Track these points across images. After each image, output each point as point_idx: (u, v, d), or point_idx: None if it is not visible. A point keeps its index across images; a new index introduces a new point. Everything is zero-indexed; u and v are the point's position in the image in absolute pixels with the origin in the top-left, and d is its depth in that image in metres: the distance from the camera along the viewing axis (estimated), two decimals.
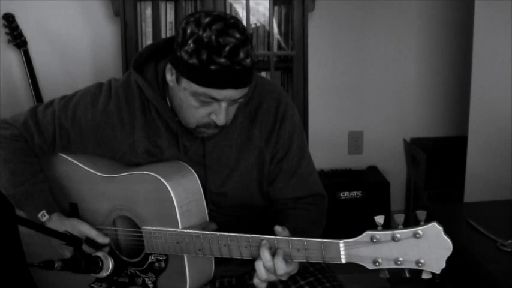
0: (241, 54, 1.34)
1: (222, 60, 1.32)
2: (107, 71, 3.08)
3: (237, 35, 1.34)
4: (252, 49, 1.38)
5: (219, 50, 1.32)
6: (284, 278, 1.34)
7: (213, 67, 1.33)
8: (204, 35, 1.33)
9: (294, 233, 1.35)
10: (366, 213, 3.17)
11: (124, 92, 1.55)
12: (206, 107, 1.41)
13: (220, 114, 1.41)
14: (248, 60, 1.35)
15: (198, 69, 1.34)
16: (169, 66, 1.44)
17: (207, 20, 1.35)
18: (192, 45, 1.34)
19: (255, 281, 1.34)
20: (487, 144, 2.74)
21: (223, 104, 1.40)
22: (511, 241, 1.89)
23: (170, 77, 1.44)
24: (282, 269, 1.29)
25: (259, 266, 1.31)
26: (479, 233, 1.98)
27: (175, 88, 1.44)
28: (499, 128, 2.68)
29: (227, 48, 1.32)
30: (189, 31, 1.35)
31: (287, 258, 1.30)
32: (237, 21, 1.38)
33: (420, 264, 1.16)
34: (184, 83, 1.39)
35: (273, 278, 1.32)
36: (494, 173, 2.71)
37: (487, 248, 1.90)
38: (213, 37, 1.32)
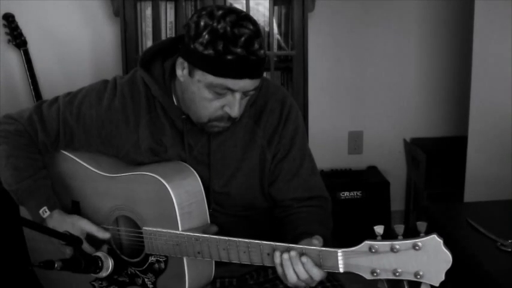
0: (256, 45, 1.36)
1: (239, 50, 1.34)
2: (107, 71, 3.08)
3: (251, 27, 1.37)
4: (264, 41, 1.40)
5: (235, 40, 1.34)
6: (314, 284, 1.33)
7: (229, 57, 1.34)
8: (219, 26, 1.34)
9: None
10: (366, 213, 3.18)
11: (129, 89, 1.56)
12: (220, 99, 1.41)
13: (235, 106, 1.41)
14: (262, 51, 1.38)
15: (214, 60, 1.35)
16: (180, 60, 1.44)
17: (220, 12, 1.37)
18: (207, 36, 1.35)
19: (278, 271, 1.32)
20: (487, 144, 2.74)
21: (238, 95, 1.40)
22: (511, 241, 1.89)
23: (181, 72, 1.44)
24: (319, 275, 1.28)
25: (292, 276, 1.29)
26: (479, 233, 1.98)
27: (187, 82, 1.44)
28: (499, 128, 2.68)
29: (242, 39, 1.34)
30: (202, 23, 1.36)
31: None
32: (247, 14, 1.41)
33: (419, 276, 1.15)
34: (199, 75, 1.39)
35: (302, 285, 1.31)
36: (494, 173, 2.71)
37: (487, 248, 1.90)
38: (228, 28, 1.34)
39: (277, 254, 1.30)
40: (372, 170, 3.43)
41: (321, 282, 1.54)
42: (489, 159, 2.74)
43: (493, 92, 2.69)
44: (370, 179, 3.29)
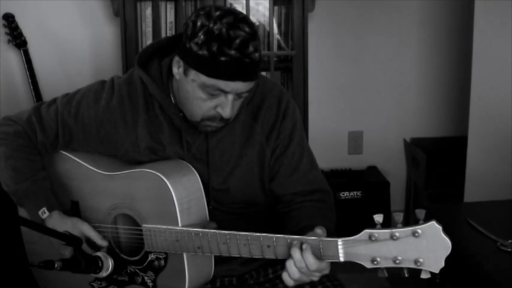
0: (251, 48, 1.36)
1: (232, 52, 1.34)
2: (106, 71, 3.07)
3: (247, 29, 1.37)
4: (260, 44, 1.40)
5: (230, 42, 1.34)
6: (316, 278, 1.33)
7: (223, 58, 1.34)
8: (215, 27, 1.35)
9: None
10: (366, 213, 3.15)
11: (127, 89, 1.56)
12: (213, 99, 1.42)
13: (227, 107, 1.42)
14: (257, 54, 1.38)
15: (208, 61, 1.35)
16: (176, 58, 1.44)
17: (218, 13, 1.37)
18: (202, 37, 1.35)
19: (284, 277, 1.32)
20: (487, 144, 2.74)
21: (230, 97, 1.41)
22: (511, 241, 1.89)
23: (177, 70, 1.45)
24: (313, 264, 1.27)
25: (290, 265, 1.30)
26: (479, 233, 1.98)
27: (182, 81, 1.44)
28: (499, 128, 2.68)
29: (237, 41, 1.34)
30: (199, 23, 1.37)
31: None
32: (246, 16, 1.42)
33: (419, 264, 1.16)
34: (193, 74, 1.40)
35: (304, 278, 1.31)
36: (494, 173, 2.71)
37: (487, 248, 1.90)
38: (224, 29, 1.34)
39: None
40: (372, 170, 3.43)
41: (321, 282, 1.55)
42: (489, 159, 2.74)
43: (493, 92, 2.69)
44: (370, 179, 3.29)
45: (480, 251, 1.91)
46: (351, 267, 1.25)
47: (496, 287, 1.76)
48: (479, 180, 2.74)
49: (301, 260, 1.28)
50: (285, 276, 1.32)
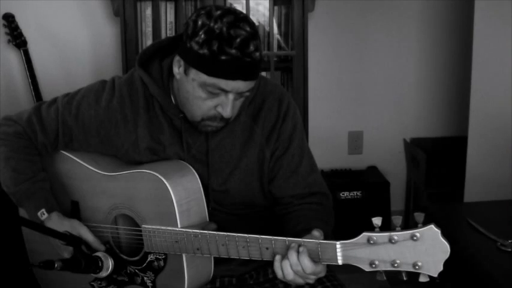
0: (251, 47, 1.36)
1: (233, 51, 1.34)
2: (107, 71, 3.08)
3: (247, 28, 1.37)
4: (261, 44, 1.41)
5: (230, 41, 1.34)
6: (311, 281, 1.33)
7: (223, 57, 1.34)
8: (216, 26, 1.35)
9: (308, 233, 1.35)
10: (366, 213, 3.16)
11: (128, 89, 1.56)
12: (213, 98, 1.42)
13: (227, 106, 1.42)
14: (257, 54, 1.38)
15: (208, 60, 1.36)
16: (177, 58, 1.45)
17: (218, 12, 1.37)
18: (203, 36, 1.35)
19: (277, 270, 1.32)
20: (487, 144, 2.74)
21: (231, 96, 1.41)
22: (511, 241, 1.89)
23: (178, 69, 1.45)
24: (309, 267, 1.28)
25: (286, 266, 1.30)
26: (479, 233, 1.98)
27: (182, 80, 1.45)
28: (499, 128, 2.69)
29: (238, 40, 1.34)
30: (200, 22, 1.37)
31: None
32: (246, 15, 1.42)
33: (417, 267, 1.15)
34: (193, 73, 1.40)
35: (299, 280, 1.31)
36: (494, 173, 2.71)
37: (487, 248, 1.90)
38: (224, 29, 1.35)
39: (277, 257, 1.31)
40: (372, 170, 3.43)
41: (321, 282, 1.55)
42: (489, 159, 2.74)
43: (493, 92, 2.70)
44: (370, 179, 3.29)
45: (480, 251, 1.91)
46: (351, 267, 1.25)
47: (496, 287, 1.76)
48: (479, 180, 2.74)
49: (298, 263, 1.28)
50: (277, 269, 1.31)
